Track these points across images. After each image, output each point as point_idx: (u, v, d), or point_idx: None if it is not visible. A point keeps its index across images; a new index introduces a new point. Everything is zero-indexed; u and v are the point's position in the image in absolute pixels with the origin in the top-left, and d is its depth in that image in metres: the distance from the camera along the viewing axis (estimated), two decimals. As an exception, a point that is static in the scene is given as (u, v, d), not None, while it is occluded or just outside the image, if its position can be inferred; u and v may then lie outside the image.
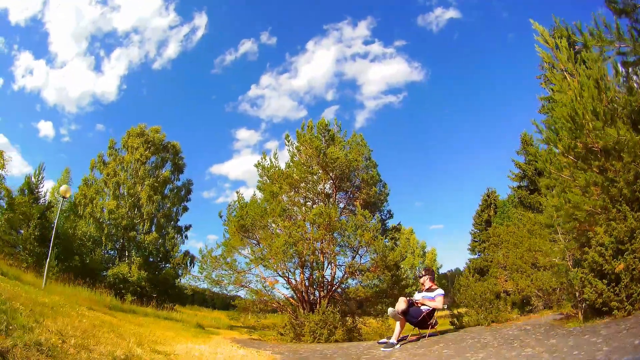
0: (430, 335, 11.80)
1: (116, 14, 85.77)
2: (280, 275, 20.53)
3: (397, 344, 11.07)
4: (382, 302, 20.50)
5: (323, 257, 20.51)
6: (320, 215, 18.39)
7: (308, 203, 22.91)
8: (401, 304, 11.41)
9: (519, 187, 40.59)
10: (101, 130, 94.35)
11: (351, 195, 23.37)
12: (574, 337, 7.75)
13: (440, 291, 11.91)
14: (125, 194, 41.17)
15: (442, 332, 12.70)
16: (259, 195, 22.94)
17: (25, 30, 71.63)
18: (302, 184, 22.31)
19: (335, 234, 19.42)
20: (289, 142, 23.54)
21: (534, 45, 13.45)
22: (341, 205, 23.39)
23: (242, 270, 21.13)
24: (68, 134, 76.82)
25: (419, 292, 12.45)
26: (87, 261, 35.04)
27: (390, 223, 24.13)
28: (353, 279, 20.95)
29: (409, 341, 11.74)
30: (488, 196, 56.67)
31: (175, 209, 44.25)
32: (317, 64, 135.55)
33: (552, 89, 16.20)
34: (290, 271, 20.51)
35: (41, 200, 34.89)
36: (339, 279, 21.01)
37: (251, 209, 20.93)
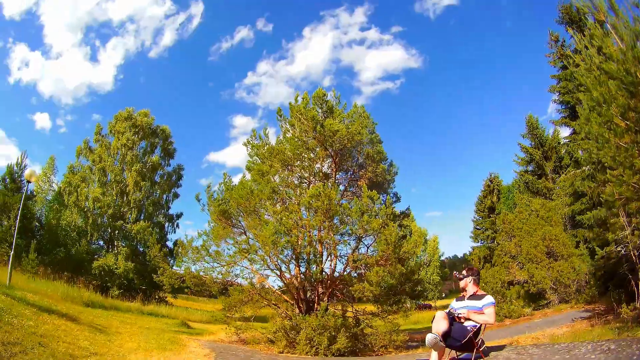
0: (476, 359, 7.73)
1: (111, 3, 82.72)
2: (270, 269, 17.14)
3: None
4: (390, 302, 16.94)
5: (322, 247, 16.93)
6: (318, 197, 14.71)
7: (303, 184, 19.37)
8: (441, 322, 7.28)
9: (525, 171, 38.38)
10: (98, 120, 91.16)
11: (353, 175, 19.95)
12: None
13: (490, 299, 7.83)
14: (112, 180, 37.93)
15: (489, 350, 8.73)
16: (249, 177, 19.24)
17: (20, 24, 69.07)
18: (297, 162, 18.69)
19: (335, 220, 15.84)
20: (281, 117, 19.97)
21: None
22: (342, 187, 19.93)
23: (228, 263, 17.38)
24: (65, 125, 74.16)
25: (457, 300, 8.35)
26: (73, 252, 32.57)
27: (398, 208, 20.41)
28: (357, 272, 17.52)
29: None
30: (491, 181, 54.13)
31: (165, 196, 41.18)
32: (313, 50, 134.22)
33: (570, 57, 15.21)
34: (283, 262, 17.22)
35: (23, 189, 31.64)
36: (340, 273, 17.66)
37: (236, 191, 17.31)
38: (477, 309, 7.71)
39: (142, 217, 38.54)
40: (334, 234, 16.31)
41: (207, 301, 45.14)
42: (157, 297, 35.07)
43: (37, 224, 33.21)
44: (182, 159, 35.75)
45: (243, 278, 17.54)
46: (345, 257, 17.43)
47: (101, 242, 37.45)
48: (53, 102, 73.98)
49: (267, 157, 18.81)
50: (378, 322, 17.54)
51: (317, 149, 18.27)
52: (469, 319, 7.62)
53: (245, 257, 16.06)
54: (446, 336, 7.22)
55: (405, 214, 20.66)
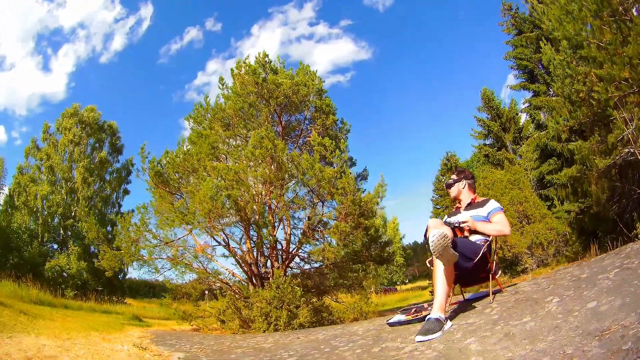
0: (494, 293, 5.51)
1: (62, 10, 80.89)
2: (212, 238, 15.10)
3: (447, 319, 4.48)
4: (356, 270, 15.87)
5: (271, 212, 15.13)
6: (260, 143, 12.36)
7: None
8: (442, 227, 4.61)
9: (484, 145, 37.49)
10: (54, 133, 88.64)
11: (302, 134, 17.64)
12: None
13: (496, 204, 5.49)
14: (61, 178, 35.70)
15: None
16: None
17: None
18: (238, 121, 16.34)
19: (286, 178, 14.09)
20: (223, 85, 17.47)
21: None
22: (291, 146, 17.65)
23: (169, 240, 15.03)
24: (20, 136, 71.68)
25: (450, 215, 5.82)
26: (26, 255, 30.38)
27: (354, 171, 18.22)
28: (316, 240, 15.22)
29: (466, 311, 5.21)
30: (448, 160, 52.42)
31: (115, 194, 39.28)
32: (262, 47, 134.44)
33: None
34: (230, 236, 15.30)
35: None
36: (297, 243, 15.55)
37: (172, 153, 15.39)
38: (481, 218, 5.36)
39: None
40: (284, 193, 14.67)
41: (172, 302, 43.11)
42: (114, 298, 32.97)
43: None
44: (126, 151, 34.36)
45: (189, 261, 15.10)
46: (302, 223, 15.74)
47: (54, 245, 35.00)
48: (7, 114, 71.59)
49: (207, 121, 16.94)
50: (344, 295, 16.09)
51: (261, 106, 16.18)
52: (475, 232, 5.22)
53: (183, 222, 13.60)
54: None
55: (363, 176, 18.33)
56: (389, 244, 16.74)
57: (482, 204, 5.52)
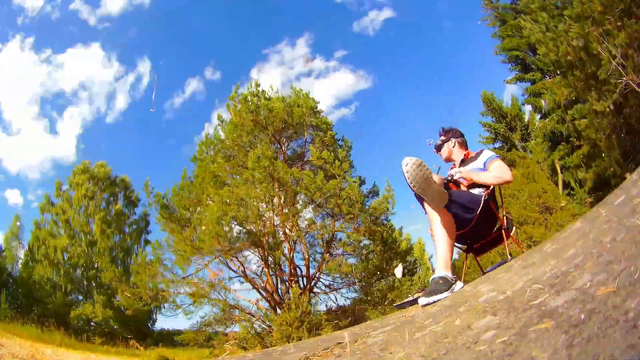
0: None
1: (61, 72, 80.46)
2: (227, 267, 15.10)
3: (456, 279, 3.84)
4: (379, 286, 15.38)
5: (286, 237, 15.12)
6: (258, 162, 12.35)
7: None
8: (423, 165, 3.83)
9: (494, 149, 35.17)
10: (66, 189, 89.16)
11: (305, 162, 17.42)
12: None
13: (490, 153, 5.07)
14: (78, 231, 35.65)
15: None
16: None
17: None
18: (238, 149, 16.36)
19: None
20: (222, 122, 17.53)
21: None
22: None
23: (180, 279, 15.16)
24: (36, 199, 71.26)
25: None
26: (49, 307, 30.15)
27: (364, 188, 17.53)
28: (333, 257, 15.18)
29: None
30: None
31: (137, 246, 38.56)
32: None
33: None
34: (248, 267, 15.46)
35: None
36: (317, 266, 15.45)
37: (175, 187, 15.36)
38: (478, 170, 4.90)
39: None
40: (297, 218, 14.52)
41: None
42: (143, 345, 32.33)
43: (9, 279, 31.49)
44: (151, 219, 34.43)
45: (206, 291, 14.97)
46: (318, 246, 15.68)
47: (80, 297, 34.56)
48: (20, 178, 71.10)
49: (209, 156, 16.80)
50: (372, 313, 15.01)
51: (260, 135, 16.43)
52: (473, 183, 4.77)
53: (194, 250, 13.55)
54: (448, 200, 4.06)
55: (374, 192, 17.85)
56: (409, 252, 16.55)
57: (475, 157, 5.10)
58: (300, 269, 15.43)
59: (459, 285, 3.76)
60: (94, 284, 34.27)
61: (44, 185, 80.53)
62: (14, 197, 66.94)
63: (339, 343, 3.35)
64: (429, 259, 63.15)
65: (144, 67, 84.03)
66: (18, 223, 40.47)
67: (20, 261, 35.88)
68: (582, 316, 1.52)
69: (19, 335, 15.77)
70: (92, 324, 31.68)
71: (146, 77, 78.88)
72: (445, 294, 3.60)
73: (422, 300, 3.66)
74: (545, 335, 1.56)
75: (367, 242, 14.79)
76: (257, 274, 15.33)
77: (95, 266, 34.62)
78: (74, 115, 76.12)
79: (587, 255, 2.14)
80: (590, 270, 1.92)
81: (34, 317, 25.27)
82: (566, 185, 25.87)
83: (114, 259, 35.05)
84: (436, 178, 4.21)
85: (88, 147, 71.25)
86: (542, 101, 26.81)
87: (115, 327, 32.08)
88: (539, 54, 16.27)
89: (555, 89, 16.24)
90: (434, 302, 3.57)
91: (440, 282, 3.70)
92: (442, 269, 3.86)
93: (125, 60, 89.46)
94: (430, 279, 3.85)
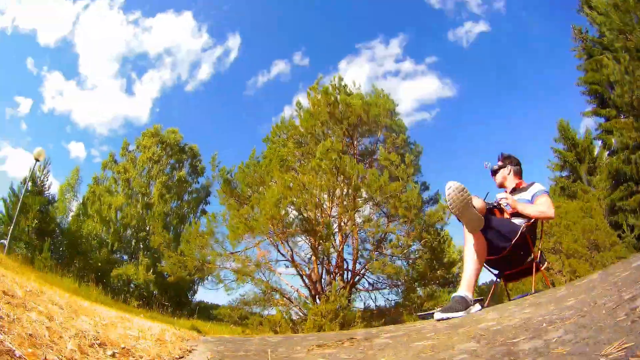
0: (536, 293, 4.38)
1: (148, 35, 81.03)
2: (277, 250, 15.31)
3: (475, 302, 4.07)
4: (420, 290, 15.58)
5: (340, 229, 15.30)
6: (327, 154, 12.34)
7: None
8: (473, 199, 4.24)
9: (560, 177, 35.10)
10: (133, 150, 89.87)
11: (375, 160, 17.42)
12: None
13: (540, 186, 5.06)
14: (137, 192, 36.10)
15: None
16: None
17: (54, 52, 66.95)
18: (310, 138, 16.66)
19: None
20: (300, 108, 17.93)
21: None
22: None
23: (229, 254, 15.48)
24: (99, 155, 71.76)
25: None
26: (92, 261, 30.70)
27: (427, 195, 17.96)
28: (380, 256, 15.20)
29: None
30: None
31: (193, 215, 38.72)
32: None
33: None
34: (297, 252, 15.55)
35: (45, 194, 31.17)
36: (364, 263, 15.47)
37: (242, 166, 15.53)
38: (526, 201, 4.94)
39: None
40: (354, 212, 14.46)
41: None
42: (179, 313, 32.46)
43: (56, 229, 31.32)
44: (213, 191, 34.64)
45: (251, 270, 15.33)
46: (369, 244, 15.59)
47: (125, 257, 35.05)
48: (87, 132, 71.60)
49: (281, 140, 17.30)
50: (408, 318, 14.94)
51: (334, 127, 16.53)
52: (516, 213, 4.80)
53: (247, 228, 13.71)
54: (486, 225, 4.31)
55: (435, 200, 17.93)
56: (454, 264, 16.46)
57: (526, 188, 5.17)
58: (347, 262, 15.56)
59: (476, 307, 3.96)
60: (141, 246, 34.61)
61: (109, 143, 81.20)
62: (77, 150, 67.37)
63: (352, 338, 3.65)
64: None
65: (234, 42, 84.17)
66: (76, 176, 41.37)
67: (71, 214, 36.59)
68: None
69: (57, 285, 16.16)
70: (131, 285, 32.22)
71: (234, 53, 79.17)
72: (461, 313, 3.82)
73: (437, 315, 3.91)
74: None
75: (416, 247, 14.94)
76: (304, 261, 15.52)
77: (147, 229, 34.93)
78: (153, 79, 76.50)
79: (576, 311, 2.36)
80: (567, 327, 2.14)
81: (74, 270, 26.16)
82: (618, 226, 25.51)
83: (167, 225, 35.43)
84: (479, 203, 4.43)
85: (162, 111, 71.53)
86: (613, 139, 26.09)
87: (154, 292, 32.44)
88: (615, 93, 16.10)
89: (626, 130, 16.01)
90: (447, 318, 3.78)
91: (460, 301, 3.92)
92: (464, 289, 4.08)
93: (216, 33, 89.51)
94: (452, 296, 4.06)
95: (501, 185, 5.55)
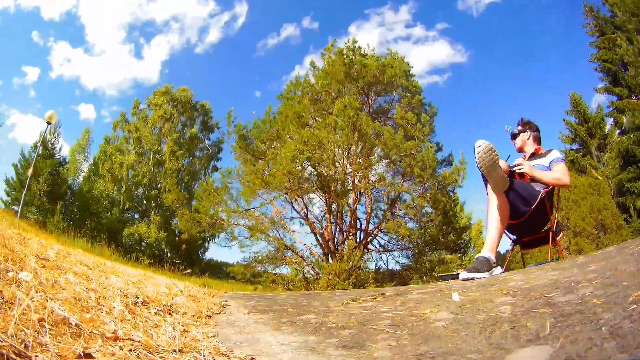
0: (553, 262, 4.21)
1: (153, 4, 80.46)
2: (292, 207, 15.46)
3: (497, 264, 4.07)
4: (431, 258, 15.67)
5: (354, 187, 15.25)
6: (344, 110, 12.30)
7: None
8: (495, 157, 4.14)
9: (571, 149, 34.66)
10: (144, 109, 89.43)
11: (390, 118, 17.33)
12: None
13: (558, 153, 5.12)
14: (148, 150, 36.25)
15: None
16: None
17: (59, 24, 66.31)
18: (326, 95, 16.45)
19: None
20: (314, 68, 17.86)
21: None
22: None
23: (243, 210, 15.54)
24: (110, 115, 71.25)
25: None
26: (104, 221, 31.04)
27: (440, 156, 17.88)
28: (395, 215, 15.38)
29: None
30: None
31: (204, 171, 39.15)
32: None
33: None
34: (311, 211, 15.75)
35: (56, 157, 30.74)
36: (378, 223, 15.67)
37: (257, 121, 15.71)
38: (542, 167, 5.00)
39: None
40: (368, 170, 14.62)
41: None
42: (190, 271, 32.81)
43: (68, 191, 31.51)
44: (225, 147, 34.45)
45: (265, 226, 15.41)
46: (383, 203, 15.84)
47: (136, 215, 35.50)
48: (97, 94, 71.03)
49: (296, 96, 16.99)
50: (416, 283, 15.19)
51: (350, 85, 16.40)
52: (533, 178, 4.83)
53: (263, 183, 13.73)
54: (508, 186, 4.35)
55: (448, 161, 17.92)
56: (465, 230, 16.50)
57: (544, 154, 5.21)
58: (360, 222, 15.72)
59: (498, 270, 3.99)
60: (153, 205, 34.88)
61: (120, 103, 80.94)
62: (87, 111, 67.30)
63: (383, 294, 3.74)
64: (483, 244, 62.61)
65: (241, 8, 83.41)
66: (87, 136, 41.38)
67: (82, 174, 36.98)
68: (571, 312, 2.02)
69: (70, 247, 16.27)
70: (143, 244, 32.41)
71: (242, 19, 78.37)
72: (485, 274, 3.86)
73: (463, 275, 3.97)
74: (541, 316, 2.06)
75: (429, 209, 14.94)
76: (318, 219, 15.67)
77: (159, 187, 35.21)
78: (161, 43, 75.89)
79: (600, 275, 2.51)
80: (595, 285, 2.35)
81: (86, 230, 25.78)
82: (625, 209, 25.37)
83: (179, 182, 35.57)
84: (503, 164, 4.55)
85: (172, 72, 71.04)
86: (625, 118, 26.14)
87: (165, 250, 32.67)
88: (628, 73, 15.90)
89: (638, 111, 15.87)
90: (473, 278, 3.84)
91: (484, 262, 3.98)
92: (487, 251, 4.11)
93: (222, 1, 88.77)
94: (476, 257, 4.10)
95: (520, 150, 5.61)
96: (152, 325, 2.20)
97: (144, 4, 75.87)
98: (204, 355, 1.81)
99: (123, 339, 1.73)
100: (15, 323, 1.45)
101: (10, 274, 2.12)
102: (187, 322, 2.68)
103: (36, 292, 1.96)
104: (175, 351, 1.77)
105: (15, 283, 2.06)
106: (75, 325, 1.69)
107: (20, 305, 1.64)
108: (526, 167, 4.82)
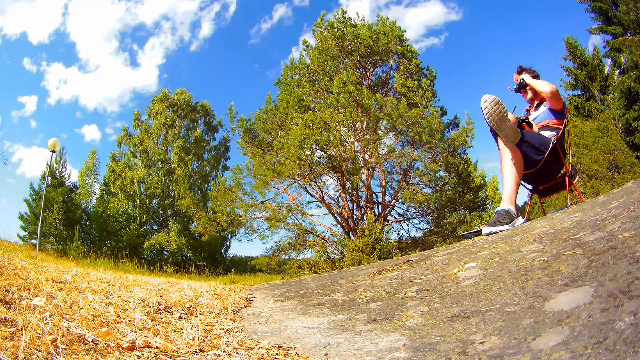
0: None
1: (141, 6, 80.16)
2: (306, 192, 15.56)
3: (519, 215, 4.15)
4: (450, 219, 15.58)
5: (365, 163, 15.14)
6: (344, 88, 12.22)
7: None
8: (503, 110, 4.26)
9: (573, 96, 34.15)
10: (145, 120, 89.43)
11: (389, 88, 17.34)
12: None
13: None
14: (156, 160, 36.29)
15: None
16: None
17: (50, 46, 66.32)
18: (323, 74, 16.42)
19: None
20: (307, 47, 17.74)
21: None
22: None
23: (259, 203, 15.68)
24: (114, 132, 71.29)
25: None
26: (123, 238, 31.22)
27: (445, 119, 17.67)
28: (409, 184, 15.53)
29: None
30: None
31: (215, 172, 39.18)
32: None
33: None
34: (326, 192, 15.84)
35: (66, 184, 30.88)
36: (393, 193, 15.65)
37: (259, 111, 15.67)
38: (546, 111, 5.01)
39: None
40: (377, 144, 14.56)
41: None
42: (215, 270, 32.64)
43: (83, 215, 31.34)
44: (232, 144, 34.75)
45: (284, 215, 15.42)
46: (396, 174, 15.92)
47: (155, 227, 35.57)
48: (98, 112, 70.99)
49: (294, 80, 17.05)
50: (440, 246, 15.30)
51: (345, 60, 16.48)
52: (544, 126, 4.89)
53: (274, 174, 13.71)
54: (520, 137, 4.43)
55: (455, 123, 17.86)
56: (481, 188, 16.44)
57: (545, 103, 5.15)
58: (376, 195, 15.72)
59: (520, 220, 4.01)
60: (169, 213, 34.92)
61: (123, 118, 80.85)
62: (91, 132, 67.28)
63: (408, 261, 3.75)
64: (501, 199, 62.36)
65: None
66: (94, 158, 41.51)
67: (95, 197, 37.58)
68: (603, 249, 1.99)
69: (93, 269, 16.10)
70: (165, 253, 32.52)
71: (233, 6, 78.21)
72: (507, 226, 3.89)
73: (486, 230, 4.03)
74: (572, 258, 2.06)
75: (442, 173, 14.94)
76: (334, 199, 15.76)
77: (172, 195, 35.21)
78: (155, 46, 75.75)
79: (624, 209, 2.49)
80: (622, 220, 2.30)
81: (107, 250, 25.96)
82: (636, 147, 25.20)
83: (191, 187, 35.41)
84: (511, 117, 4.47)
85: (170, 76, 70.96)
86: (622, 57, 25.83)
87: (188, 255, 32.90)
88: (620, 10, 15.66)
89: (634, 47, 15.64)
90: (496, 232, 3.85)
91: (505, 214, 4.02)
92: (507, 203, 4.16)
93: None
94: (495, 210, 4.14)
95: (532, 100, 5.45)
96: (175, 330, 2.32)
97: (131, 7, 75.66)
98: (225, 351, 1.83)
99: (141, 348, 1.74)
100: (25, 347, 1.46)
101: (24, 302, 2.11)
102: (212, 320, 2.75)
103: (51, 315, 1.96)
104: (196, 351, 1.78)
105: (30, 309, 2.05)
106: (92, 341, 1.76)
107: (33, 328, 1.64)
108: (526, 77, 5.10)
